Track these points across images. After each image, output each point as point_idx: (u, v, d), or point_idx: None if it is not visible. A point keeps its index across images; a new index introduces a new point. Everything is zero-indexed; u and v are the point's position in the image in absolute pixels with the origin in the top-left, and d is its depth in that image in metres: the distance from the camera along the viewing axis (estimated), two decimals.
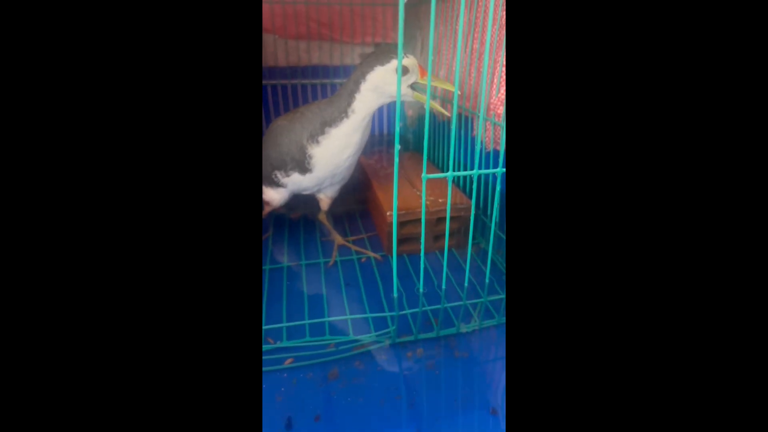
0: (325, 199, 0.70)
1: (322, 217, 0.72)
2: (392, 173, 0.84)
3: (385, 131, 1.18)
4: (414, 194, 0.72)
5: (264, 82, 1.04)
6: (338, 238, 0.71)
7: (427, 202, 0.67)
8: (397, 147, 0.39)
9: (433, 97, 0.80)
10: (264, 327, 0.53)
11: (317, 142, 0.58)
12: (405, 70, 0.54)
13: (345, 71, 1.08)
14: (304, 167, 0.60)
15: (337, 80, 1.08)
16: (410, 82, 0.54)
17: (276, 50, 1.03)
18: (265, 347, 0.50)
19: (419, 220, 0.67)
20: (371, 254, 0.69)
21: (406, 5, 1.02)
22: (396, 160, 0.40)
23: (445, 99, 0.81)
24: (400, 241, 0.68)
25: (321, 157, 0.59)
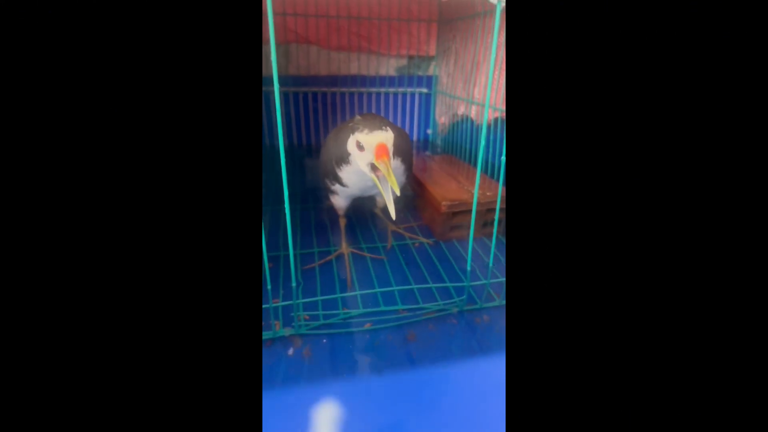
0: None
1: (378, 210, 0.78)
2: (434, 172, 0.91)
3: (415, 137, 1.25)
4: (461, 188, 0.78)
5: (305, 89, 1.12)
6: (391, 225, 0.77)
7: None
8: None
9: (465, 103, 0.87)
10: (341, 295, 0.58)
11: (340, 167, 0.58)
12: (360, 147, 0.50)
13: (381, 81, 1.16)
14: (340, 181, 0.60)
15: (373, 89, 1.16)
16: (367, 161, 0.50)
17: (318, 60, 1.11)
18: (343, 314, 0.55)
19: (468, 210, 0.73)
20: (423, 239, 0.75)
21: (442, 21, 1.11)
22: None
23: (473, 102, 0.88)
24: (452, 228, 0.74)
25: (346, 178, 0.59)
